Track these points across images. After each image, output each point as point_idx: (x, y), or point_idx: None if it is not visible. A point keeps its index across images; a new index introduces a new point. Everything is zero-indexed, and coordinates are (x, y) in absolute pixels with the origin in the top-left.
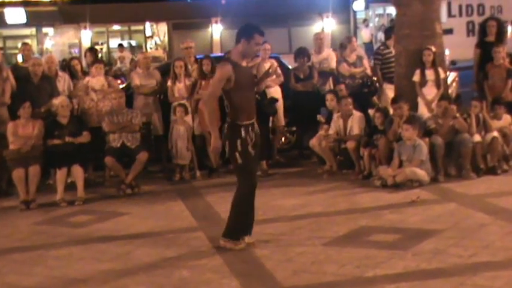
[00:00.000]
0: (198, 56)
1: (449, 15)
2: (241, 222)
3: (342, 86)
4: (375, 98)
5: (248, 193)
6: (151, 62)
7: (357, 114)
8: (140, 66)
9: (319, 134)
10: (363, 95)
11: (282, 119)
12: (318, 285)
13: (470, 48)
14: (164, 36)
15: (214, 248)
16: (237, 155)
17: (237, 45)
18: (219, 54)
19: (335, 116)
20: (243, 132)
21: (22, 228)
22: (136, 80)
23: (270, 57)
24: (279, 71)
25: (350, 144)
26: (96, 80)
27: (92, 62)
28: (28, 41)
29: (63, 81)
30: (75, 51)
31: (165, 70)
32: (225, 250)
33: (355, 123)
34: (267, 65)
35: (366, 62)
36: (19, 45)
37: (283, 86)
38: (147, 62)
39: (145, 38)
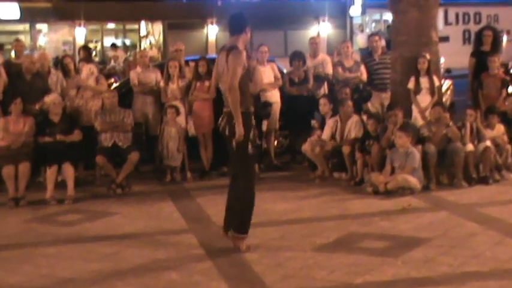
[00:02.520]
0: (193, 57)
1: (446, 23)
2: (251, 214)
3: (347, 90)
4: (368, 105)
5: (253, 184)
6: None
7: (355, 118)
8: (139, 65)
9: (312, 139)
10: (353, 100)
11: (276, 123)
12: None
13: (466, 57)
14: (159, 36)
15: (204, 250)
16: (250, 144)
17: (242, 35)
18: (215, 55)
19: (331, 120)
20: (253, 121)
21: (10, 226)
22: (135, 79)
23: (268, 61)
24: (278, 74)
25: (345, 149)
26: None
27: (82, 60)
28: (21, 37)
29: (55, 79)
30: (70, 48)
31: (159, 70)
32: (215, 253)
33: (353, 127)
34: (265, 69)
35: (362, 67)
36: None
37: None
38: (144, 60)
39: (140, 37)
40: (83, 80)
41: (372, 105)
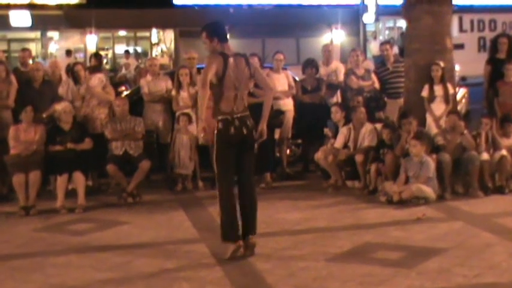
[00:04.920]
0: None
1: (461, 30)
2: None
3: (360, 98)
4: (381, 113)
5: None
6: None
7: (369, 127)
8: (150, 73)
9: (325, 148)
10: (369, 109)
11: (289, 131)
12: None
13: (481, 64)
14: (170, 44)
15: (215, 260)
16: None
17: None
18: None
19: (344, 128)
20: None
21: (21, 235)
22: (145, 88)
23: (283, 69)
24: (293, 83)
25: (358, 158)
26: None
27: (89, 68)
28: (33, 44)
29: (66, 87)
30: (80, 56)
31: (170, 78)
32: (226, 262)
33: (367, 135)
34: (279, 76)
35: (374, 75)
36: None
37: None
38: (154, 68)
39: (151, 44)
40: (91, 88)
41: (386, 114)
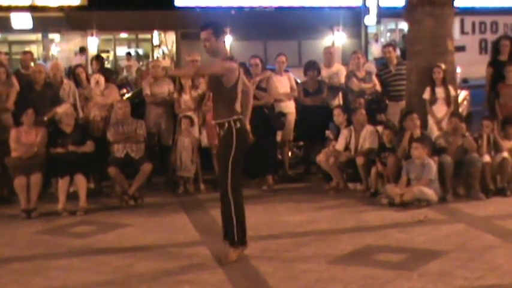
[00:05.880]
0: None
1: (462, 32)
2: None
3: (362, 100)
4: (382, 116)
5: None
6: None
7: (369, 128)
8: (152, 75)
9: (327, 150)
10: (371, 111)
11: (291, 134)
12: None
13: (483, 66)
14: (172, 46)
15: (217, 262)
16: None
17: None
18: None
19: (345, 130)
20: None
21: (22, 237)
22: (147, 90)
23: (285, 71)
24: (295, 85)
25: (359, 160)
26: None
27: (98, 71)
28: (34, 46)
29: (68, 89)
30: (82, 58)
31: (173, 80)
32: (228, 265)
33: (367, 137)
34: (282, 79)
35: (375, 78)
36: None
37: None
38: (156, 70)
39: (153, 46)
40: (90, 91)
41: (387, 116)
